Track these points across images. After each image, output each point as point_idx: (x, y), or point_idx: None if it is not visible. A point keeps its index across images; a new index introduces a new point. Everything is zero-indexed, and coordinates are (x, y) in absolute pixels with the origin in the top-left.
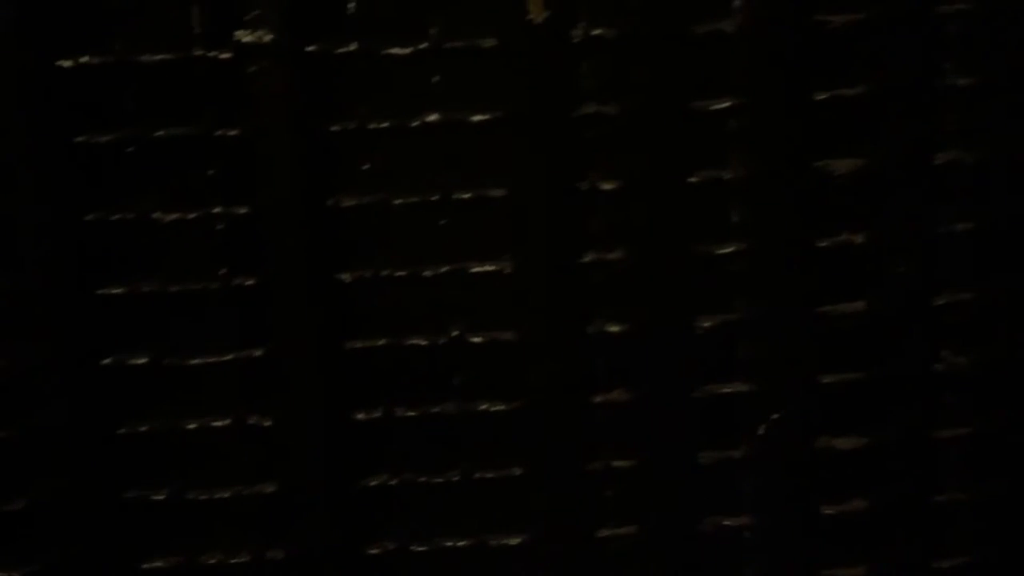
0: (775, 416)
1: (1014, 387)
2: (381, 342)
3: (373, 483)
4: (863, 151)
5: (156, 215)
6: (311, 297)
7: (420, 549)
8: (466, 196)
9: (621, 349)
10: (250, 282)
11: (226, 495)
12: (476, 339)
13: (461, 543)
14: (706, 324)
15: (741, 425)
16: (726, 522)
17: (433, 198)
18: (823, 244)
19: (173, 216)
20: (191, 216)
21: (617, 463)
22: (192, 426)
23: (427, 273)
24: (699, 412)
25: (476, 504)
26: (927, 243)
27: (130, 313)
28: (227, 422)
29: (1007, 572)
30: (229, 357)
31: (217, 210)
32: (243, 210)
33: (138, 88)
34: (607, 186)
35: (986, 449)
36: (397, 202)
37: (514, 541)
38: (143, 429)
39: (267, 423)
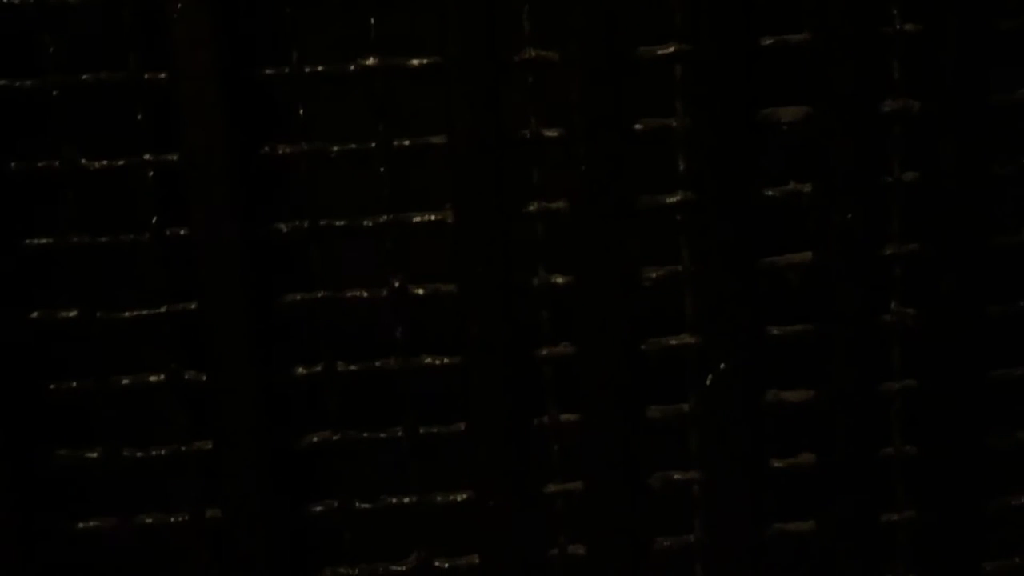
0: (722, 366)
1: (961, 338)
2: (320, 295)
3: (315, 439)
4: (809, 99)
5: (83, 163)
6: (246, 247)
7: (364, 507)
8: (405, 144)
9: (566, 301)
10: (182, 232)
11: (162, 453)
12: (418, 291)
13: (406, 500)
14: (652, 275)
15: (689, 379)
16: (675, 476)
17: (371, 146)
18: (770, 194)
19: (101, 164)
20: (119, 163)
21: (564, 417)
22: (126, 382)
23: (367, 223)
24: (646, 365)
25: (421, 460)
26: (874, 192)
27: (59, 265)
28: (161, 378)
29: (954, 525)
30: (162, 310)
31: (147, 157)
32: (173, 157)
33: (61, 31)
34: (550, 133)
35: (934, 401)
36: (334, 150)
37: (460, 497)
38: (74, 385)
39: (203, 379)
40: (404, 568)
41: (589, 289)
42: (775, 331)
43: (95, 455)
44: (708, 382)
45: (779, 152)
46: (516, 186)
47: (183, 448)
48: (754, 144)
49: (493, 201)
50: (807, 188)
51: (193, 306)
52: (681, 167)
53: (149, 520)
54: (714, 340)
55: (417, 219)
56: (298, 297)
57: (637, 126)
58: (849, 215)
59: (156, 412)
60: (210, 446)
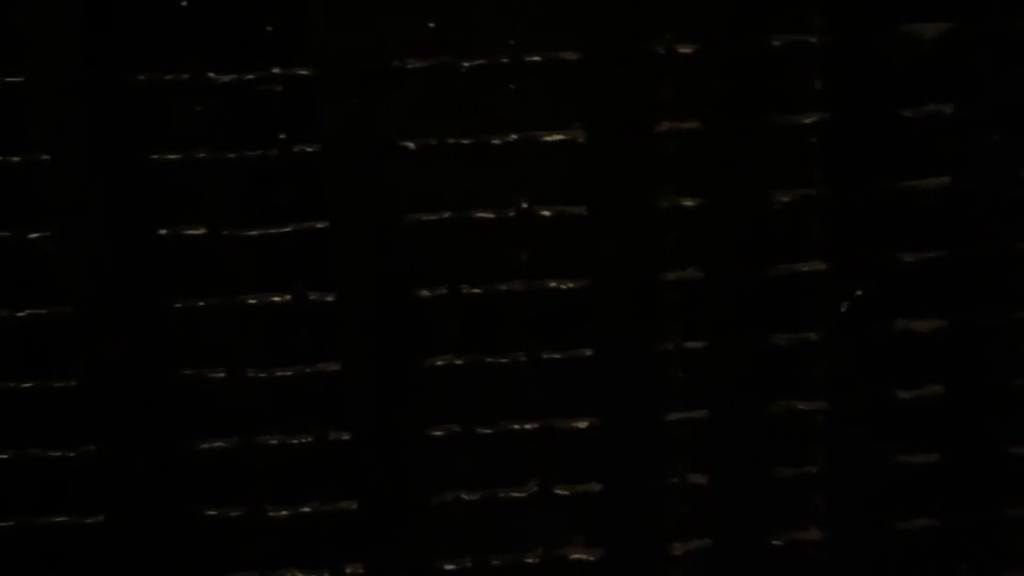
0: (859, 293)
1: None
2: (446, 215)
3: (439, 363)
4: (952, 15)
5: (211, 76)
6: (372, 166)
7: (485, 432)
8: (536, 59)
9: (694, 224)
10: (311, 149)
11: (288, 373)
12: (545, 212)
13: (527, 426)
14: (784, 199)
15: (816, 306)
16: (799, 406)
17: (503, 61)
18: (908, 114)
19: (229, 77)
20: (248, 77)
21: (688, 344)
22: (252, 301)
23: (495, 142)
24: (773, 291)
25: (543, 385)
26: (1018, 113)
27: (185, 180)
28: (287, 298)
29: None
30: (289, 229)
31: (275, 71)
32: (303, 72)
33: None
34: (684, 50)
35: None
36: (465, 65)
37: (582, 424)
38: (200, 304)
39: (329, 299)
40: (524, 494)
41: (718, 211)
42: (907, 258)
43: (220, 375)
44: (843, 309)
45: (919, 71)
46: (647, 104)
47: (308, 370)
48: (893, 62)
49: (624, 119)
50: (948, 109)
51: (320, 225)
52: (817, 86)
53: (273, 441)
54: (844, 266)
55: (547, 138)
56: (423, 217)
57: (775, 43)
58: (996, 136)
59: (282, 332)
60: (337, 367)
